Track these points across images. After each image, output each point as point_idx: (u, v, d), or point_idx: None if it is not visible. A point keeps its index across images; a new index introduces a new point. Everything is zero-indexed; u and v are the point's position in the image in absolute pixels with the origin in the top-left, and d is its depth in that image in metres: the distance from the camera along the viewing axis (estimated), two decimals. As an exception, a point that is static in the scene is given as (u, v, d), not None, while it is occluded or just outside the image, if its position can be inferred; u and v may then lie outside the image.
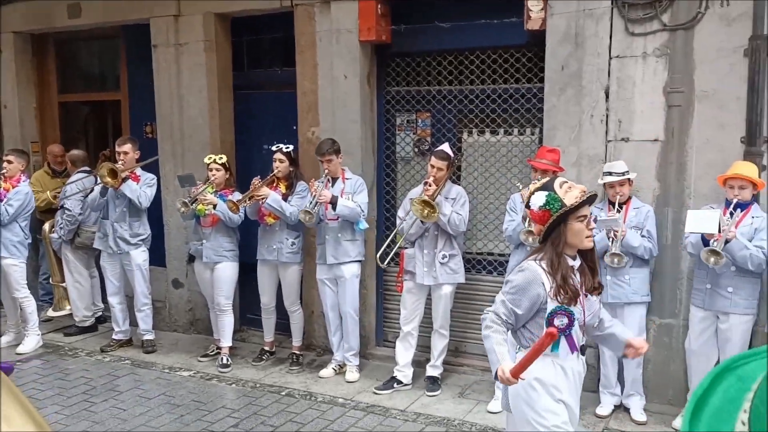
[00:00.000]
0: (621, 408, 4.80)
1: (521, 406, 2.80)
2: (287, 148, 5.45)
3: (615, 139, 4.86)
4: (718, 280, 4.28)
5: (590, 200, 2.74)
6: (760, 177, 4.31)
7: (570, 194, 2.69)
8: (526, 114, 5.37)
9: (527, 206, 2.85)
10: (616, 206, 4.57)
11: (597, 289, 2.82)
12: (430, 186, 4.87)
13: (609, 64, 4.80)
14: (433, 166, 4.92)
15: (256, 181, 5.37)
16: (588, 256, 2.83)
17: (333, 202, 5.15)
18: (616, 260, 4.43)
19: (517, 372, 2.48)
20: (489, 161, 5.56)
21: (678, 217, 4.62)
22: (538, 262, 2.74)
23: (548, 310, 2.68)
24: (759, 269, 4.14)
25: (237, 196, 5.55)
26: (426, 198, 4.81)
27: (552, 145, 4.99)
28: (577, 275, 2.75)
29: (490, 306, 2.80)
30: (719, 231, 4.07)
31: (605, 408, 4.74)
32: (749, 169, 4.25)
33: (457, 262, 5.10)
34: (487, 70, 5.45)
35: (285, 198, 5.46)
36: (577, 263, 2.77)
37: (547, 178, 2.94)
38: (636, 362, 4.65)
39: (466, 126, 5.69)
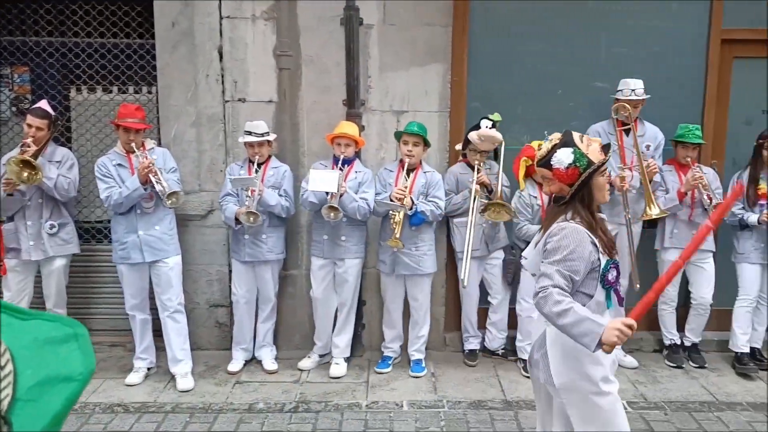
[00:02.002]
0: (253, 361, 4.98)
1: (572, 376, 2.55)
2: None
3: (232, 99, 4.91)
4: (334, 231, 4.69)
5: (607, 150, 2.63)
6: (360, 136, 4.82)
7: (592, 148, 2.55)
8: (141, 71, 5.07)
9: (544, 165, 2.59)
10: (255, 165, 4.61)
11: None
12: (29, 146, 4.29)
13: (220, 24, 4.80)
14: (30, 125, 4.34)
15: None
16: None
17: None
18: (251, 218, 4.47)
19: (639, 315, 2.29)
20: (102, 121, 5.13)
21: (295, 174, 4.89)
22: (572, 222, 2.54)
23: (602, 266, 2.50)
24: (364, 218, 4.66)
25: None
26: (25, 157, 4.22)
27: (168, 103, 4.82)
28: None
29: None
30: (337, 190, 4.45)
31: (236, 364, 4.85)
32: (351, 129, 4.71)
33: (69, 231, 4.62)
34: (93, 22, 4.97)
35: None
36: (603, 215, 2.71)
37: (559, 134, 2.65)
38: (266, 315, 4.86)
39: (74, 82, 5.14)
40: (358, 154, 4.83)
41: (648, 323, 5.27)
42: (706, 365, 4.92)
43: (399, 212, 4.52)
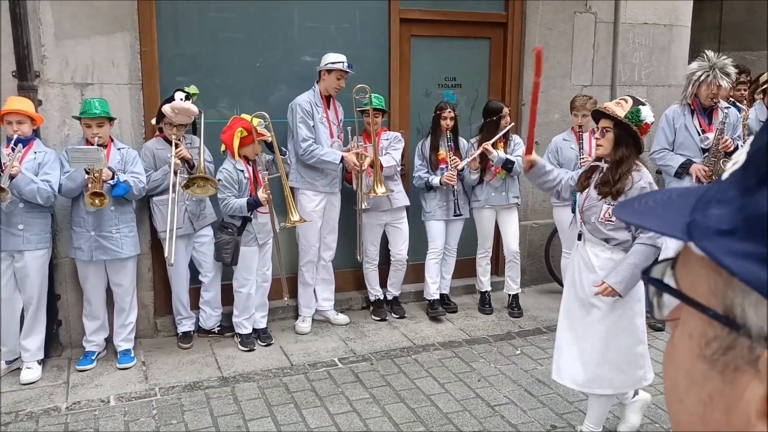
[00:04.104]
0: None
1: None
2: None
3: None
4: (9, 219, 4.13)
5: (599, 115, 3.28)
6: (37, 111, 4.30)
7: None
8: None
9: (635, 121, 3.23)
10: None
11: (604, 192, 3.23)
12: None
13: None
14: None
15: None
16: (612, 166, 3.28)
17: None
18: None
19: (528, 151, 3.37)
20: None
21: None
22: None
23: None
24: (48, 203, 4.18)
25: None
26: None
27: None
28: (598, 176, 3.31)
29: None
30: (2, 166, 3.92)
31: None
32: (23, 104, 4.18)
33: None
34: None
35: None
36: (604, 166, 3.31)
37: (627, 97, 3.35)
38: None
39: None
40: (36, 133, 4.31)
41: (356, 283, 5.64)
42: (405, 315, 5.44)
43: (98, 166, 4.11)
